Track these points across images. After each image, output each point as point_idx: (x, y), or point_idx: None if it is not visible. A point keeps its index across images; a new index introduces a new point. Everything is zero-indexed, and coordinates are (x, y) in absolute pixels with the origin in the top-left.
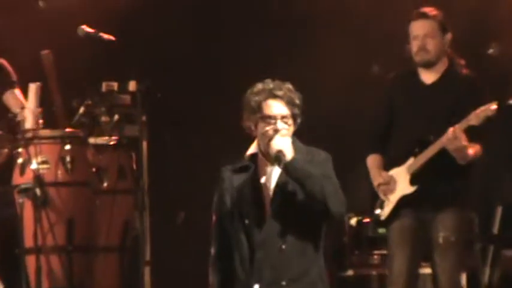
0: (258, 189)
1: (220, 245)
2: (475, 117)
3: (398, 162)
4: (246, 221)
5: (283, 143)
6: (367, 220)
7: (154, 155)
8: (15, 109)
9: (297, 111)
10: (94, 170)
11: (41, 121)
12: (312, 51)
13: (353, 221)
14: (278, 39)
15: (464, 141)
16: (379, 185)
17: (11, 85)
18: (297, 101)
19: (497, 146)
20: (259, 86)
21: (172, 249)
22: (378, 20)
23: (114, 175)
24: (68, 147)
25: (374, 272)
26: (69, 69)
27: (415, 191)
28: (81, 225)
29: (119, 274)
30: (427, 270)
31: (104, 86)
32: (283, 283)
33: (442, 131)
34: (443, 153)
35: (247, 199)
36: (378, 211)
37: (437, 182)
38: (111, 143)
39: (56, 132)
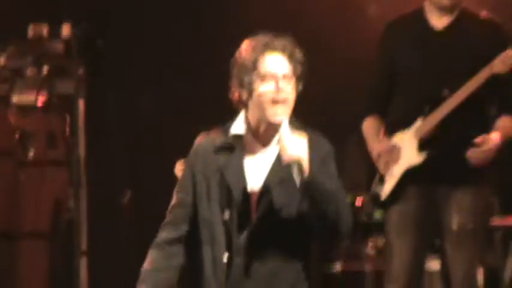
0: (242, 178)
1: (181, 230)
2: (500, 62)
3: (403, 125)
4: (226, 215)
5: (301, 147)
6: (361, 200)
7: (94, 118)
8: None
9: (300, 70)
10: (17, 136)
11: None
12: None
13: None
14: None
15: None
16: (378, 154)
17: None
18: (301, 58)
19: None
20: (253, 41)
21: (114, 236)
22: None
23: (43, 143)
24: None
25: (368, 267)
26: None
27: (424, 162)
28: (2, 206)
29: (48, 266)
30: (435, 265)
31: (31, 30)
32: None
33: (457, 86)
34: (463, 110)
35: (228, 188)
36: (376, 188)
37: (454, 149)
38: (39, 102)
39: None
